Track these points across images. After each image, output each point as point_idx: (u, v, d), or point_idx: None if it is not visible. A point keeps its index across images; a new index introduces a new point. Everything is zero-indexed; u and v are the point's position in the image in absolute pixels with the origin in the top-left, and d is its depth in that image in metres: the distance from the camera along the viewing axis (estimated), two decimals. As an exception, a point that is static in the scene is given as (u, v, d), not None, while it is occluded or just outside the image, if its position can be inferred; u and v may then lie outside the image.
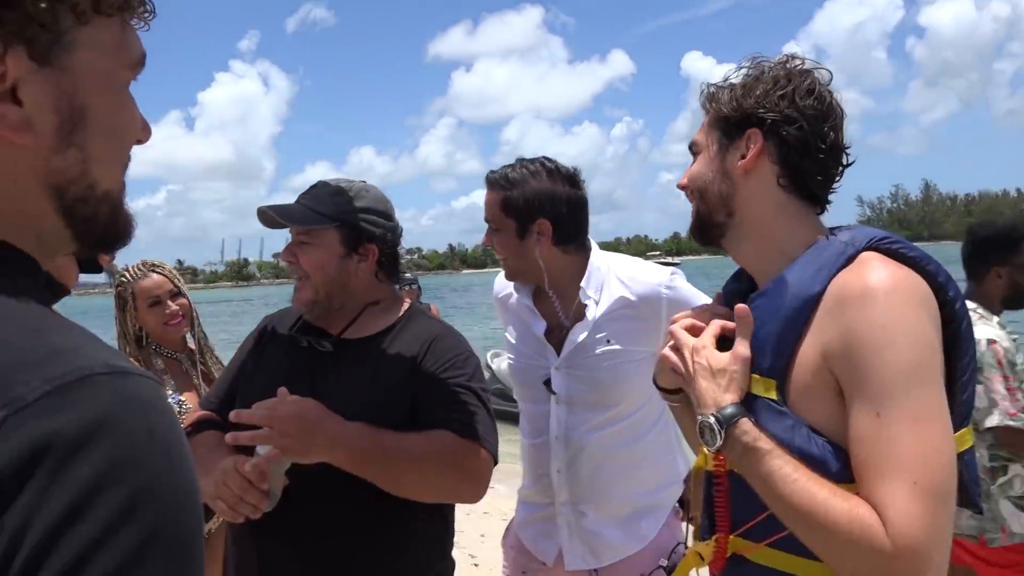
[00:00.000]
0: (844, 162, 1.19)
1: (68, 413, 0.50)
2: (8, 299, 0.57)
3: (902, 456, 0.95)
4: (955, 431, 1.03)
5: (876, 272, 1.04)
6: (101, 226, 0.67)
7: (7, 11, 0.57)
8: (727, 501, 1.16)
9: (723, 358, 1.12)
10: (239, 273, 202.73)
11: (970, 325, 1.10)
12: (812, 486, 0.99)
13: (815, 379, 1.06)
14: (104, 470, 0.49)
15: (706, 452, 1.13)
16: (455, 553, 1.70)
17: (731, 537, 1.16)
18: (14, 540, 0.47)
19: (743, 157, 1.17)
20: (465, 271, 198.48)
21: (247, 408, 1.44)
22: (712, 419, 1.08)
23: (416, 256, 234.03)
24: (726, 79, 1.23)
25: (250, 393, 1.56)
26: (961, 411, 1.08)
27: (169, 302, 2.57)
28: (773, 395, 1.08)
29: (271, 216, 1.59)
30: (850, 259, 1.09)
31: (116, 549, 0.48)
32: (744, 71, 1.20)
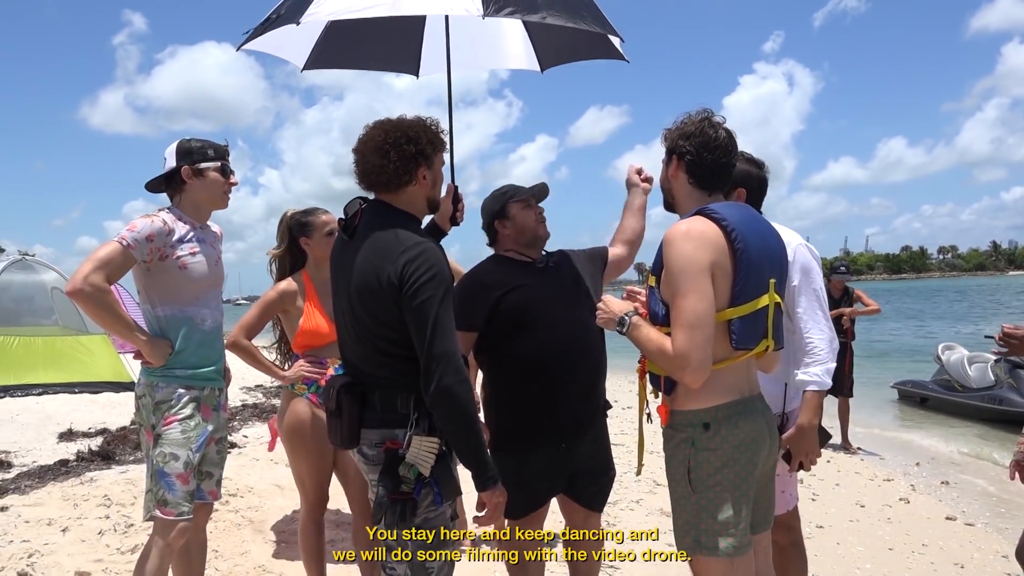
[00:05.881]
0: (728, 166, 2.24)
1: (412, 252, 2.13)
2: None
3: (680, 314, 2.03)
4: (729, 307, 2.05)
5: (680, 224, 2.11)
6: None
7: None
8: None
9: (626, 303, 2.30)
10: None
11: (745, 250, 2.05)
12: (653, 334, 2.12)
13: (663, 275, 2.14)
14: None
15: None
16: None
17: (646, 361, 2.27)
18: None
19: (673, 170, 2.30)
20: (1012, 272, 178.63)
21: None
22: (617, 320, 2.23)
23: (949, 255, 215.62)
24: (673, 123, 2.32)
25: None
26: (734, 297, 2.06)
27: None
28: (652, 282, 2.21)
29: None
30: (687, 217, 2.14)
31: None
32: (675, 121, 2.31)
